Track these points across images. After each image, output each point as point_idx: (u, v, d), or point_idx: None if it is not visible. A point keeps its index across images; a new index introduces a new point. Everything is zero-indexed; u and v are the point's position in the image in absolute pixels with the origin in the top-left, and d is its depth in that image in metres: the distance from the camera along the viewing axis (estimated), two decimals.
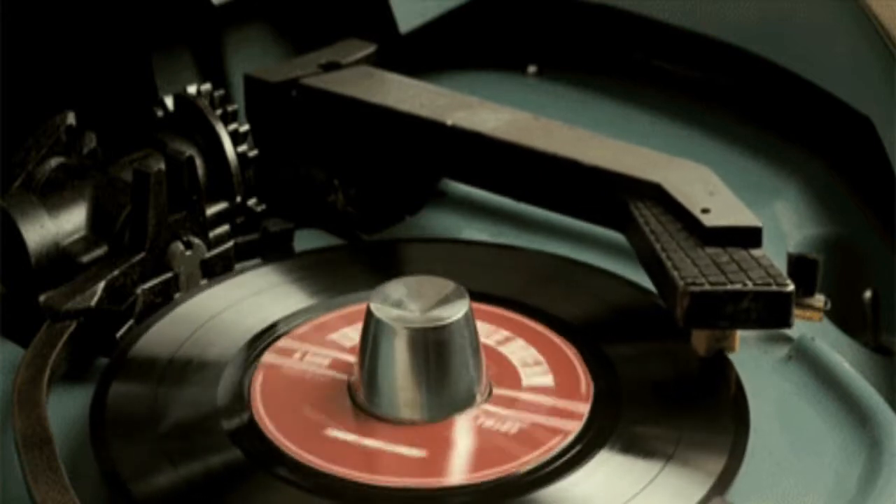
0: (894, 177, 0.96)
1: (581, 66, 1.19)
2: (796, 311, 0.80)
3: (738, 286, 0.78)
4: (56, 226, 0.86)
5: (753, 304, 0.77)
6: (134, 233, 0.86)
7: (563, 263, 0.89)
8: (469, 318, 0.76)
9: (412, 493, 0.72)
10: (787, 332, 0.83)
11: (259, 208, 0.94)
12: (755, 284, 0.78)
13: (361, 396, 0.77)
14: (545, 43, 1.21)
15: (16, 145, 0.90)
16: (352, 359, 0.79)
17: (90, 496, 0.71)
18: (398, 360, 0.75)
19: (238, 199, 0.93)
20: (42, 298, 0.83)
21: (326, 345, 0.81)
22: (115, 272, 0.84)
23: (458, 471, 0.73)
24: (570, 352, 0.80)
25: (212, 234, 0.89)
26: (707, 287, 0.78)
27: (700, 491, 0.71)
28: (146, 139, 0.92)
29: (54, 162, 0.89)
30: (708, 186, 0.87)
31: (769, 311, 0.78)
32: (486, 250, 0.91)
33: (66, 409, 0.79)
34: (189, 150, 0.91)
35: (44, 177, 0.88)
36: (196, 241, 0.88)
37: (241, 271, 0.89)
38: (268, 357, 0.80)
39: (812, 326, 0.84)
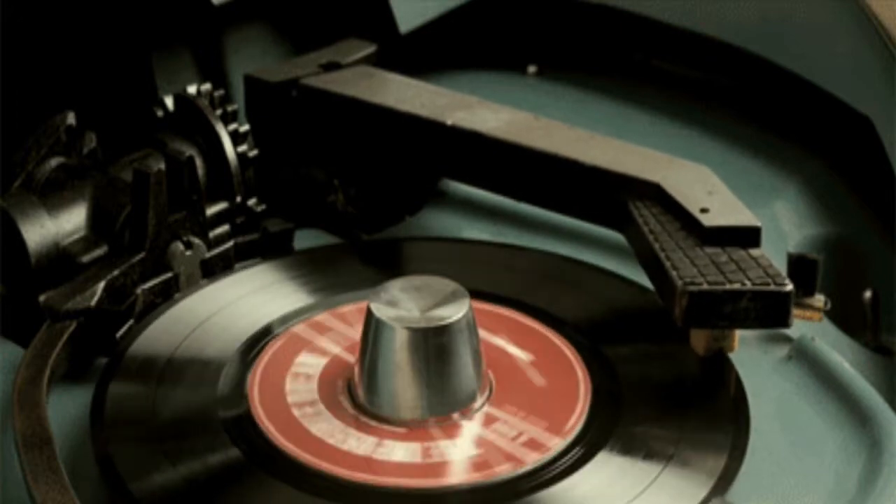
0: (894, 177, 0.96)
1: (581, 66, 1.19)
2: (796, 311, 0.80)
3: (736, 286, 0.78)
4: (56, 226, 0.86)
5: (752, 303, 0.77)
6: (134, 233, 0.86)
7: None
8: (469, 318, 0.76)
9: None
10: (787, 332, 0.83)
11: (259, 208, 0.94)
12: (753, 284, 0.78)
13: (361, 396, 0.77)
14: (545, 43, 1.21)
15: (16, 145, 0.90)
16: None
17: (90, 496, 0.71)
18: (398, 360, 0.75)
19: (238, 199, 0.93)
20: (42, 298, 0.83)
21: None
22: (115, 272, 0.84)
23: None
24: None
25: (212, 234, 0.89)
26: (705, 287, 0.78)
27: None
28: (146, 139, 0.92)
29: (54, 162, 0.89)
30: (707, 186, 0.87)
31: (768, 311, 0.78)
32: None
33: (66, 409, 0.79)
34: (189, 150, 0.91)
35: (44, 177, 0.88)
36: (196, 241, 0.88)
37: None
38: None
39: (812, 326, 0.84)
